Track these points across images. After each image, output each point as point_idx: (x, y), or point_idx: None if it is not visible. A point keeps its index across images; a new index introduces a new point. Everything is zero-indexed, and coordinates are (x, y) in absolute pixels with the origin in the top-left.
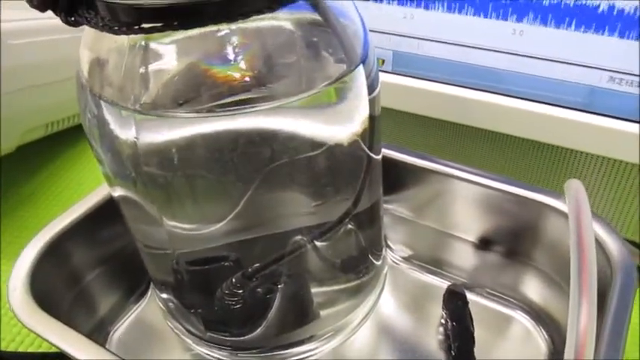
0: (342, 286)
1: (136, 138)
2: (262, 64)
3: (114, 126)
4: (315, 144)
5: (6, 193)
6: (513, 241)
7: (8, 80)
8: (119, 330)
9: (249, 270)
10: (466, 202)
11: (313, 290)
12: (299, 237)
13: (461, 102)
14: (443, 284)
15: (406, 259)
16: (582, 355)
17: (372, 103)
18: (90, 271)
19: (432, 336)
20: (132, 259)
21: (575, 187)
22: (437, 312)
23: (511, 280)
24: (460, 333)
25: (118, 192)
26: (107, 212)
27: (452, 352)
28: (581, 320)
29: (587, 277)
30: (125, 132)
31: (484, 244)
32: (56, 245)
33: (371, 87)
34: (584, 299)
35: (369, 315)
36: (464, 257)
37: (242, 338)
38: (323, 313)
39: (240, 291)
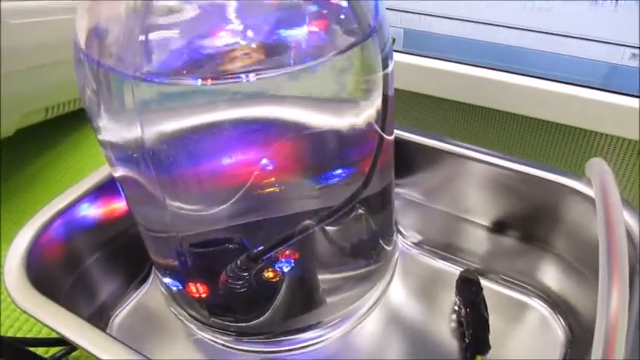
0: (351, 272)
1: (138, 112)
2: (269, 35)
3: (114, 100)
4: (323, 121)
5: (6, 177)
6: (529, 225)
7: (8, 60)
8: (120, 315)
9: (254, 252)
10: (480, 184)
11: (321, 275)
12: (306, 220)
13: (474, 82)
14: (455, 270)
15: (417, 245)
16: (613, 343)
17: (386, 79)
18: (90, 255)
19: (445, 323)
20: (133, 242)
21: (599, 167)
22: (449, 299)
23: (527, 265)
24: (474, 320)
25: (119, 173)
26: (108, 194)
27: (465, 339)
28: (611, 307)
29: (617, 263)
30: (127, 106)
31: (499, 228)
32: (54, 227)
33: (385, 61)
34: (614, 286)
35: (378, 301)
36: (477, 242)
37: (247, 324)
38: (331, 298)
39: (245, 274)
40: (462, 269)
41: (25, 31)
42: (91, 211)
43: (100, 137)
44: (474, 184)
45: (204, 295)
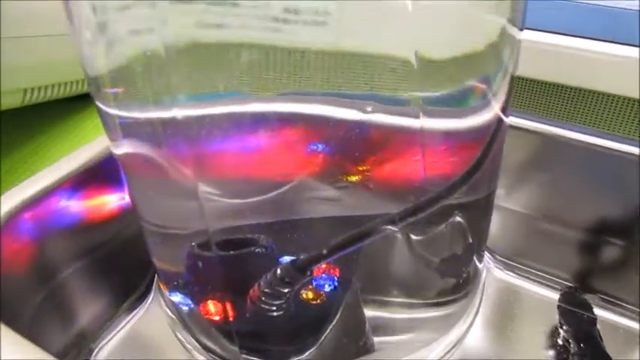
0: (432, 299)
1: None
2: None
3: (129, 28)
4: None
5: None
6: None
7: None
8: (106, 347)
9: (302, 259)
10: (573, 174)
11: (390, 301)
12: (382, 220)
13: (570, 56)
14: (544, 290)
15: (495, 258)
16: None
17: (518, 45)
18: (67, 264)
19: None
20: (129, 249)
21: None
22: (538, 329)
23: None
24: (594, 359)
25: (127, 149)
26: (96, 181)
27: None
28: None
29: None
30: (147, 33)
31: (599, 232)
32: (18, 223)
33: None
34: None
35: (458, 344)
36: (572, 252)
37: None
38: (392, 337)
39: (287, 290)
40: (549, 287)
41: None
42: (72, 203)
43: (102, 102)
44: (564, 176)
45: (224, 318)
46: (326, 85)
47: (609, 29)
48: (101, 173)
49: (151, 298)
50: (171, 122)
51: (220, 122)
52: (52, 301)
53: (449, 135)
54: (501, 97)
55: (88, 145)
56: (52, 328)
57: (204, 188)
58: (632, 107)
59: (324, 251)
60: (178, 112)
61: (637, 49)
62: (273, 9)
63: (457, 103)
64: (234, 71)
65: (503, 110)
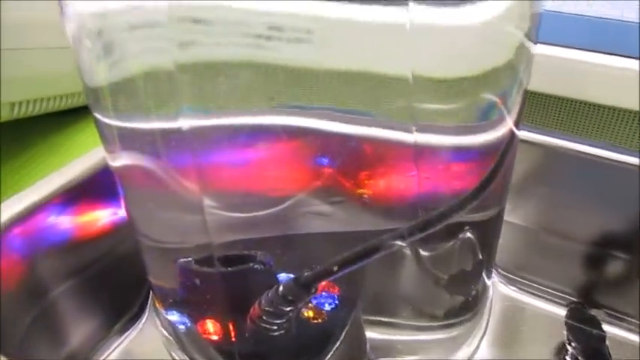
0: (440, 319)
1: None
2: None
3: (134, 39)
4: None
5: None
6: None
7: None
8: None
9: (306, 275)
10: (577, 186)
11: (394, 322)
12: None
13: (569, 69)
14: (546, 305)
15: (498, 273)
16: None
17: (532, 59)
18: (58, 282)
19: None
20: (122, 266)
21: None
22: (543, 345)
23: None
24: None
25: (126, 161)
26: (88, 195)
27: None
28: None
29: None
30: (154, 45)
31: (602, 245)
32: (8, 240)
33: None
34: None
35: None
36: (574, 266)
37: None
38: (399, 359)
39: (289, 308)
40: (563, 304)
41: None
42: (63, 218)
43: (100, 113)
44: (566, 187)
45: (222, 337)
46: (329, 102)
47: (609, 41)
48: (93, 187)
49: (145, 318)
50: (176, 134)
51: (225, 135)
52: (43, 321)
53: (462, 151)
54: (515, 111)
55: (79, 159)
56: (42, 349)
57: (208, 202)
58: (633, 119)
59: (334, 267)
60: (184, 123)
61: (637, 61)
62: (256, 27)
63: (473, 119)
64: (227, 86)
65: (516, 124)
